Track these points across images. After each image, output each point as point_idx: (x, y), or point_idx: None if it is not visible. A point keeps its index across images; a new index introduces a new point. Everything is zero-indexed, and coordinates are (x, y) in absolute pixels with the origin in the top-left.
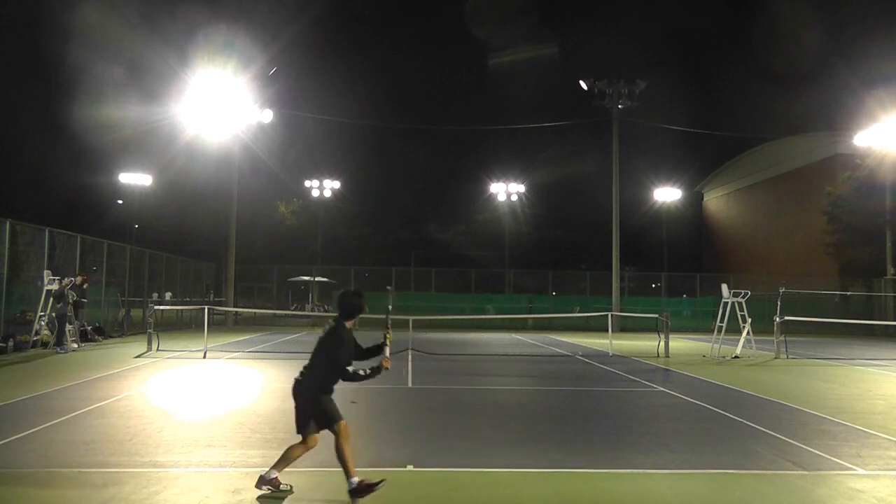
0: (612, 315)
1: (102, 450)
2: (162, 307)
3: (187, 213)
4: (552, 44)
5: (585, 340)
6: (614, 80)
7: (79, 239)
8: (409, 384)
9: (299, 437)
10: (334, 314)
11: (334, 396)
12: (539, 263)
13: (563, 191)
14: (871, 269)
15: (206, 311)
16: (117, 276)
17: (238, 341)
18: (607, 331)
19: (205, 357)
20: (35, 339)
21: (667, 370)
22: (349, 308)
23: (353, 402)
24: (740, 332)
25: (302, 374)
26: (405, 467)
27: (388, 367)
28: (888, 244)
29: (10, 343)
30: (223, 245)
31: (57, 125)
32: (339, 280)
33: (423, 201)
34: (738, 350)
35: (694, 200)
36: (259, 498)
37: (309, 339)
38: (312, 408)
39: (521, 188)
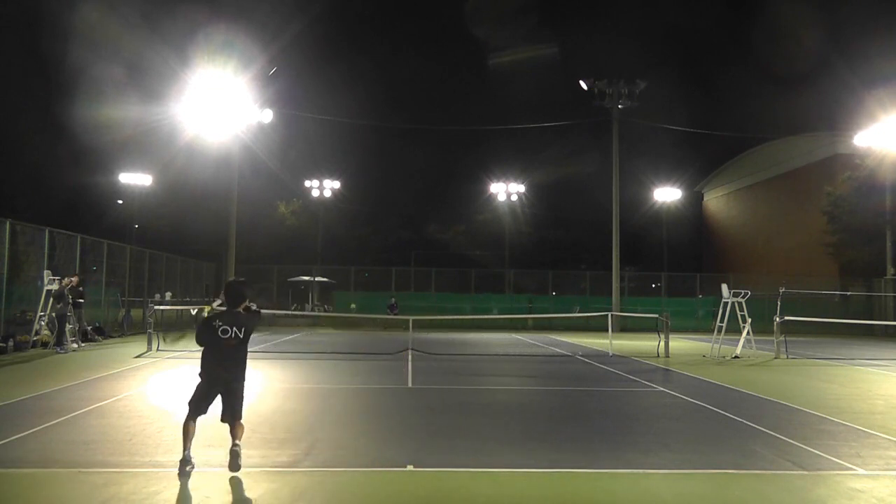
0: (612, 315)
1: (102, 450)
2: (162, 307)
3: (187, 213)
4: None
5: (585, 340)
6: (614, 80)
7: (79, 239)
8: (409, 384)
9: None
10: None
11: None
12: (539, 263)
13: (563, 191)
14: (871, 269)
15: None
16: (117, 276)
17: None
18: (607, 331)
19: None
20: (35, 339)
21: (667, 370)
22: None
23: None
24: (740, 332)
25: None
26: (405, 467)
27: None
28: (888, 244)
29: (10, 343)
30: (223, 245)
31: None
32: (339, 280)
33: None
34: (738, 350)
35: (694, 200)
36: (259, 498)
37: (309, 339)
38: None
39: (521, 188)
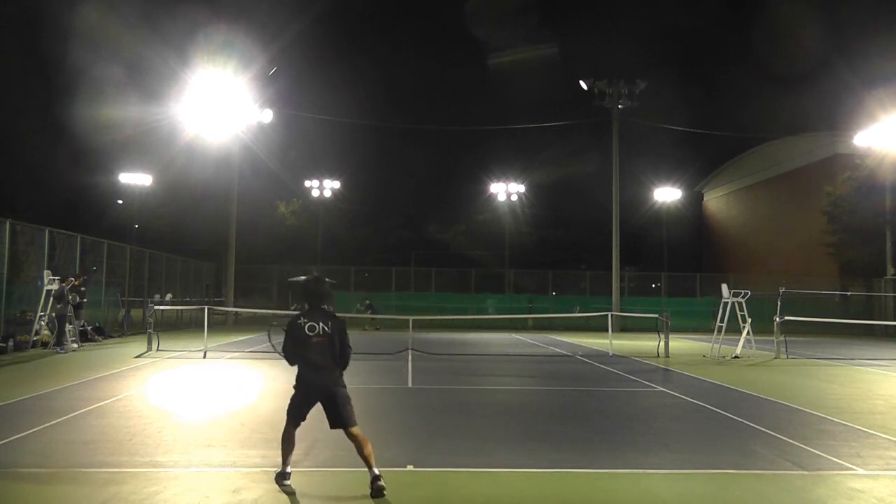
0: (612, 315)
1: (102, 450)
2: (162, 307)
3: (187, 213)
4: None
5: (585, 340)
6: (614, 80)
7: (79, 239)
8: (409, 384)
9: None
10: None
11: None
12: (539, 263)
13: (563, 191)
14: (871, 269)
15: (206, 311)
16: (117, 276)
17: (238, 341)
18: (607, 331)
19: (205, 357)
20: (35, 339)
21: (667, 370)
22: (319, 295)
23: None
24: (740, 332)
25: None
26: (405, 467)
27: None
28: (888, 244)
29: (10, 343)
30: (223, 245)
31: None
32: (340, 280)
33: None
34: (738, 350)
35: (694, 200)
36: (259, 498)
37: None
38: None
39: (521, 188)
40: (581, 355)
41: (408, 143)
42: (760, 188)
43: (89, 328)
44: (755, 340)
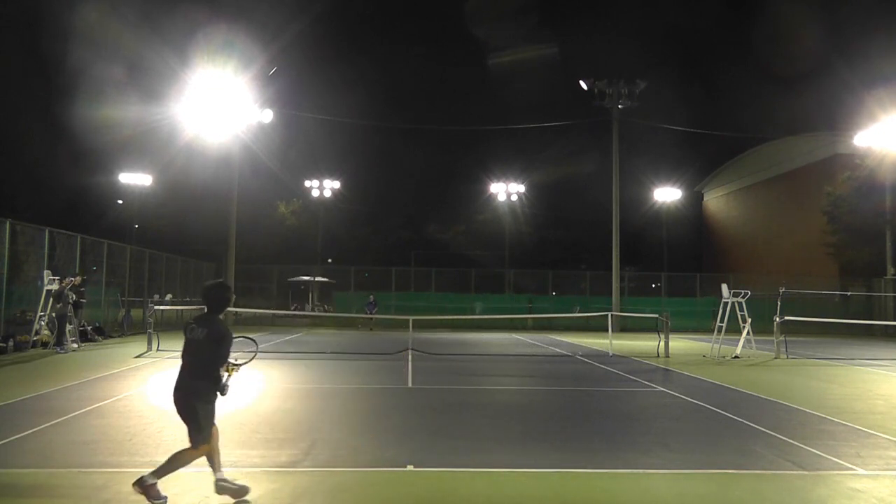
0: (612, 315)
1: (102, 450)
2: (162, 307)
3: (187, 213)
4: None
5: (585, 340)
6: (614, 80)
7: (79, 239)
8: (409, 384)
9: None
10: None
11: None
12: (539, 263)
13: (563, 191)
14: (871, 270)
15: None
16: (117, 276)
17: (238, 341)
18: (607, 331)
19: None
20: (35, 339)
21: (667, 370)
22: (222, 301)
23: None
24: (740, 332)
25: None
26: (405, 467)
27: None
28: (888, 244)
29: (10, 343)
30: (223, 245)
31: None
32: (339, 280)
33: (423, 201)
34: (738, 350)
35: (694, 200)
36: (259, 498)
37: (309, 339)
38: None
39: (521, 188)
40: (581, 355)
41: (408, 143)
42: (760, 188)
43: (89, 328)
44: (755, 340)
